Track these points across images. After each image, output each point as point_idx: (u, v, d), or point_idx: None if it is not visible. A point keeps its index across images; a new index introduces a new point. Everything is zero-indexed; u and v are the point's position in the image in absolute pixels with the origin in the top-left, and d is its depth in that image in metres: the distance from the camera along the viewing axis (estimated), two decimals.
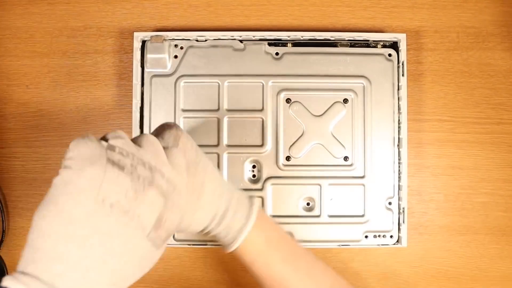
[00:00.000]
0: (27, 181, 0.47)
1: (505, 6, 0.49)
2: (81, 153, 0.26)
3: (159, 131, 0.32)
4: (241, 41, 0.45)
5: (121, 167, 0.26)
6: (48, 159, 0.47)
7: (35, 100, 0.48)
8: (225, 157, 0.45)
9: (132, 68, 0.45)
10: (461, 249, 0.48)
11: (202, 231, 0.34)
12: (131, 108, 0.45)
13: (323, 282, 0.36)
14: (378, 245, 0.45)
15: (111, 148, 0.27)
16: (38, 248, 0.25)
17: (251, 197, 0.36)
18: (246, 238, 0.34)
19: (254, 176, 0.45)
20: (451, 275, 0.48)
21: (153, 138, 0.30)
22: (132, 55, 0.45)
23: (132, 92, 0.45)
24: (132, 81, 0.45)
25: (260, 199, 0.45)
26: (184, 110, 0.45)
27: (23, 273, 0.24)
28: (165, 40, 0.44)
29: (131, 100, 0.45)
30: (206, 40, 0.45)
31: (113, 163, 0.26)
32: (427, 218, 0.48)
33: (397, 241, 0.45)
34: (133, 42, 0.45)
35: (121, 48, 0.48)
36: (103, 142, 0.28)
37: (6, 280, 0.24)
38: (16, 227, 0.47)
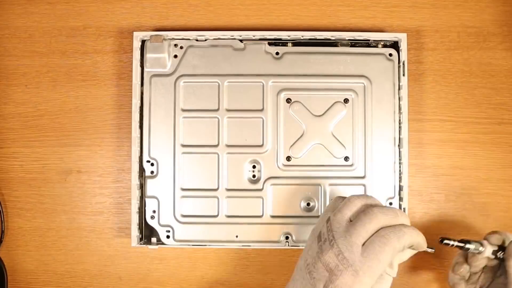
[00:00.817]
0: (26, 181, 0.47)
1: (506, 5, 0.48)
2: (317, 224, 0.36)
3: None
4: (241, 40, 0.45)
5: (320, 239, 0.34)
6: (47, 159, 0.47)
7: (34, 100, 0.47)
8: (225, 157, 0.45)
9: (132, 68, 0.44)
10: None
11: None
12: (131, 108, 0.45)
13: None
14: None
15: (328, 220, 0.35)
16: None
17: None
18: None
19: (254, 176, 0.45)
20: None
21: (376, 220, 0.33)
22: (132, 55, 0.45)
23: (131, 92, 0.45)
24: (131, 81, 0.45)
25: None
26: (184, 110, 0.45)
27: None
28: (164, 39, 0.44)
29: (131, 100, 0.45)
30: (206, 40, 0.45)
31: (319, 234, 0.34)
32: (427, 219, 0.48)
33: None
34: (132, 41, 0.45)
35: (120, 47, 0.48)
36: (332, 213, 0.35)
37: None
38: (15, 227, 0.47)
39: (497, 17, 0.49)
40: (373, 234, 0.33)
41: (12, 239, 0.47)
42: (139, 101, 0.45)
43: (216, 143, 0.45)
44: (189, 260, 0.47)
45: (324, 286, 0.31)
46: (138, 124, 0.44)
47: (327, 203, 0.45)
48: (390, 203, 0.45)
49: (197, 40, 0.45)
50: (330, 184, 0.45)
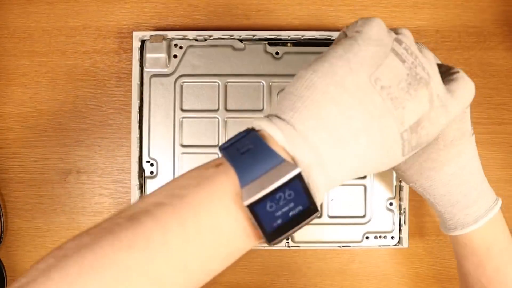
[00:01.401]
0: (25, 181, 0.47)
1: (506, 5, 0.48)
2: (370, 31, 0.26)
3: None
4: (241, 40, 0.45)
5: (402, 60, 0.26)
6: (47, 160, 0.47)
7: (33, 100, 0.47)
8: None
9: (132, 68, 0.44)
10: None
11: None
12: (130, 108, 0.44)
13: None
14: (379, 246, 0.45)
15: (398, 41, 0.27)
16: (302, 97, 0.25)
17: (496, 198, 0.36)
18: (479, 229, 0.34)
19: None
20: (453, 276, 0.47)
21: (432, 55, 0.29)
22: (131, 55, 0.45)
23: (131, 92, 0.44)
24: (131, 81, 0.45)
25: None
26: (183, 110, 0.45)
27: (279, 117, 0.24)
28: (164, 39, 0.44)
29: (130, 100, 0.45)
30: (205, 40, 0.45)
31: (396, 53, 0.26)
32: (428, 219, 0.47)
33: (398, 242, 0.45)
34: (132, 41, 0.44)
35: (120, 47, 0.48)
36: (392, 33, 0.27)
37: (262, 121, 0.24)
38: (15, 228, 0.47)
39: (497, 17, 0.48)
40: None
41: (12, 240, 0.47)
42: (139, 101, 0.44)
43: (216, 144, 0.45)
44: None
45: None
46: (137, 124, 0.44)
47: (328, 203, 0.45)
48: (391, 203, 0.45)
49: (196, 40, 0.45)
50: None
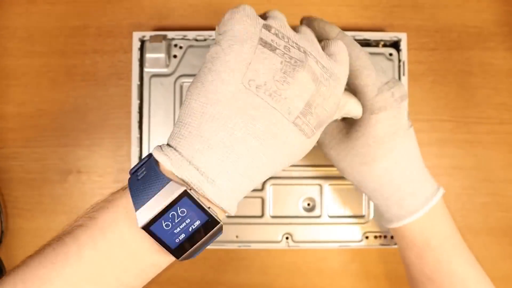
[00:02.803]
0: (25, 181, 0.47)
1: (506, 5, 0.48)
2: (233, 28, 0.26)
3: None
4: None
5: (273, 48, 0.26)
6: (47, 159, 0.47)
7: (34, 99, 0.47)
8: None
9: (131, 68, 0.44)
10: None
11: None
12: (130, 108, 0.44)
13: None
14: (379, 245, 0.45)
15: (267, 27, 0.26)
16: (186, 124, 0.26)
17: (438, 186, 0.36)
18: (417, 221, 0.34)
19: None
20: None
21: (310, 30, 0.29)
22: (131, 55, 0.45)
23: (131, 92, 0.44)
24: (131, 81, 0.45)
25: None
26: None
27: (168, 145, 0.26)
28: (164, 39, 0.44)
29: (130, 100, 0.45)
30: (205, 40, 0.45)
31: (265, 43, 0.26)
32: None
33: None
34: (132, 41, 0.44)
35: (120, 48, 0.48)
36: (260, 20, 0.27)
37: (155, 150, 0.26)
38: (15, 227, 0.47)
39: (497, 17, 0.48)
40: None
41: (12, 240, 0.47)
42: (139, 101, 0.44)
43: None
44: (189, 260, 0.47)
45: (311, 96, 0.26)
46: (137, 124, 0.44)
47: (328, 203, 0.45)
48: None
49: (196, 40, 0.45)
50: (330, 184, 0.45)
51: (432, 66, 0.48)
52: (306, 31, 0.29)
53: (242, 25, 0.26)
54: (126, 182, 0.27)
